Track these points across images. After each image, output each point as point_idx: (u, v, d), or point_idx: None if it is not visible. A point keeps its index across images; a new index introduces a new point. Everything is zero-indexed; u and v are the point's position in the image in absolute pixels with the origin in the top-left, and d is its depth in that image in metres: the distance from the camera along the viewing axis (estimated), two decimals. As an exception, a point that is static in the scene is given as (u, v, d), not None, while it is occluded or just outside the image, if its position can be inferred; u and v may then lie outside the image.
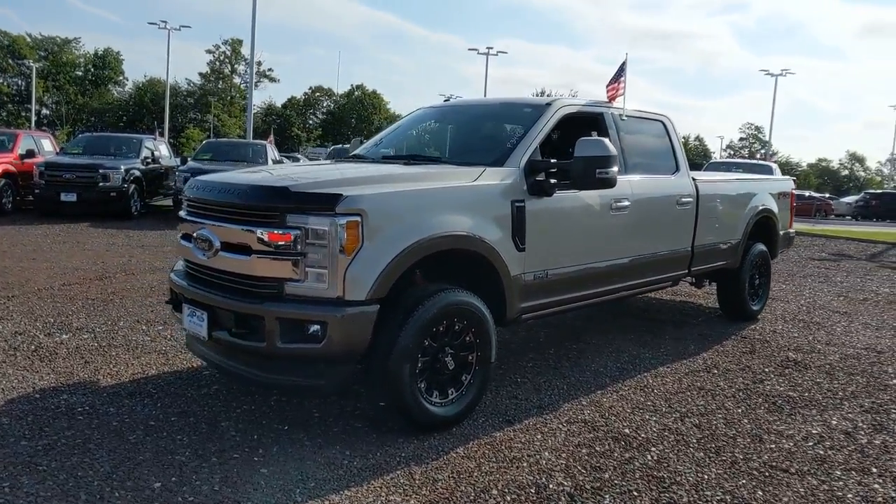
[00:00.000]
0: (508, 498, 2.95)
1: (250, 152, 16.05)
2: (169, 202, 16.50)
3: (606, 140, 3.96)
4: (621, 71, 4.91)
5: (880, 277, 10.03)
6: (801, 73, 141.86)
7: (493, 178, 3.88)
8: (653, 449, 3.50)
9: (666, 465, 3.32)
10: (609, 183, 3.97)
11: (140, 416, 3.73)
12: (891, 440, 3.73)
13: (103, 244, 10.43)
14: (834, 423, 3.95)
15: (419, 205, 3.51)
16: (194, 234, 3.68)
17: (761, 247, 6.52)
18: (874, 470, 3.34)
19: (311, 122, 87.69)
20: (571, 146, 4.60)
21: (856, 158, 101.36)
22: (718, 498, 3.01)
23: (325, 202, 3.24)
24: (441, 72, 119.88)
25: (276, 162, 15.99)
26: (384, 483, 3.06)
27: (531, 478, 3.14)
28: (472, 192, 3.76)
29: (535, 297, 4.15)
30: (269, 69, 74.33)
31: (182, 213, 3.98)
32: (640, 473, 3.22)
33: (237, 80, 77.28)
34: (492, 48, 44.62)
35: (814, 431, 3.81)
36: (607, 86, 4.94)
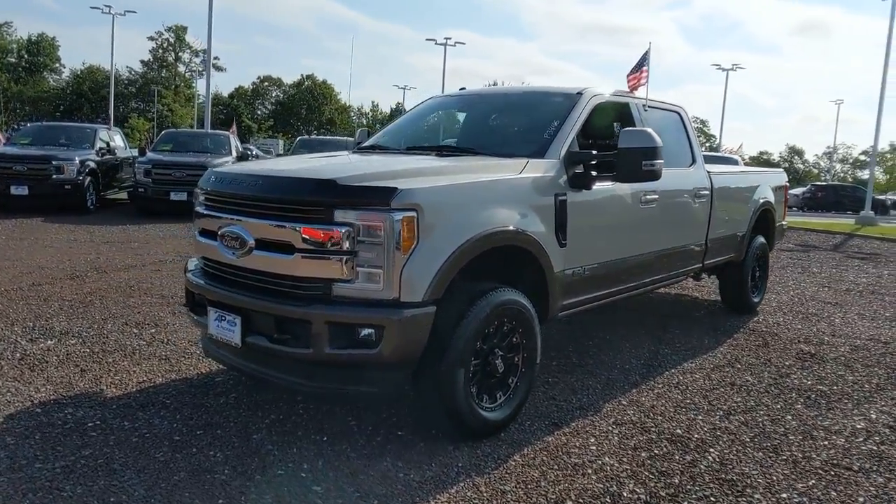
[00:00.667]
0: (586, 509, 2.80)
1: (212, 143, 15.41)
2: (125, 195, 15.73)
3: (651, 130, 3.83)
4: (644, 60, 4.79)
5: (853, 268, 10.32)
6: (740, 69, 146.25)
7: (536, 170, 3.70)
8: (711, 450, 3.40)
9: (730, 466, 3.23)
10: (655, 175, 3.84)
11: (161, 431, 3.42)
12: (933, 433, 3.74)
13: (65, 240, 9.81)
14: (874, 416, 3.94)
15: (472, 199, 3.30)
16: (220, 232, 3.38)
17: (761, 239, 6.55)
18: (930, 464, 3.33)
19: (259, 112, 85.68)
20: (599, 137, 4.49)
21: (795, 152, 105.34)
22: (796, 500, 2.93)
23: (378, 196, 3.00)
24: (390, 63, 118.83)
25: (241, 153, 15.43)
26: (450, 498, 2.86)
27: (601, 486, 2.99)
28: (520, 185, 3.58)
29: (575, 293, 4.00)
30: (216, 58, 72.06)
31: (199, 208, 3.67)
32: (710, 477, 3.11)
33: (182, 68, 74.83)
34: (450, 38, 44.21)
35: (859, 426, 3.78)
36: (628, 75, 4.82)
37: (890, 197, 36.51)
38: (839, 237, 15.20)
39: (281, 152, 52.07)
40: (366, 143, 4.81)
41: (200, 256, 3.71)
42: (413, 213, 3.00)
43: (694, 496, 2.93)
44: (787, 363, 4.96)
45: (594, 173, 3.90)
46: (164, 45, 72.03)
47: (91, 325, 5.32)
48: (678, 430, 3.62)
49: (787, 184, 7.29)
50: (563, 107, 4.20)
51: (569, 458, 3.25)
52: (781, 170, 7.92)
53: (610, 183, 4.08)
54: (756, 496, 2.95)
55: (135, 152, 16.43)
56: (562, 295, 3.85)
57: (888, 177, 71.46)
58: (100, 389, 3.98)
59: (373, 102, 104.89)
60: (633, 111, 4.68)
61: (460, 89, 5.10)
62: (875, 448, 3.50)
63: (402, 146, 4.44)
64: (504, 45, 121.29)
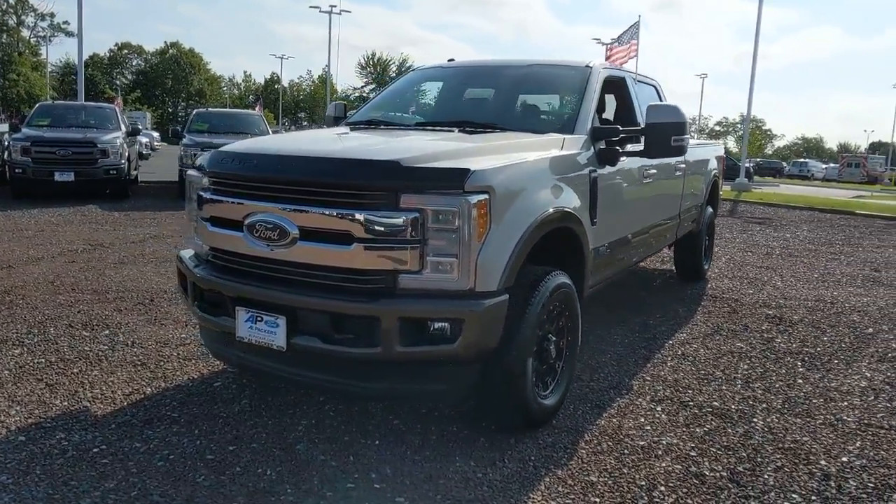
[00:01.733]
0: (680, 492, 2.76)
1: (95, 117, 13.83)
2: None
3: (678, 105, 3.80)
4: (632, 34, 4.76)
5: (758, 232, 11.13)
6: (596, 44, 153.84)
7: (574, 146, 3.57)
8: (755, 420, 3.48)
9: (781, 434, 3.32)
10: (683, 151, 3.83)
11: (186, 450, 3.00)
12: (921, 386, 4.07)
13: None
14: (868, 375, 4.23)
15: (532, 179, 3.12)
16: (247, 221, 2.97)
17: (710, 209, 6.86)
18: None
19: (118, 82, 78.96)
20: (600, 110, 4.42)
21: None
22: (857, 463, 3.06)
23: (450, 179, 2.74)
24: (256, 31, 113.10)
25: (130, 127, 14.05)
26: (543, 496, 2.72)
27: (681, 467, 2.97)
28: (565, 162, 3.43)
29: (599, 272, 3.95)
30: (65, 22, 65.24)
31: (207, 194, 3.21)
32: (770, 448, 3.18)
33: (25, 32, 67.12)
34: (335, 6, 42.41)
35: (863, 385, 4.04)
36: (612, 48, 4.80)
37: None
38: (727, 203, 16.36)
39: (150, 127, 48.14)
40: (358, 118, 4.42)
41: (210, 248, 3.26)
42: (486, 196, 2.77)
43: (769, 469, 2.98)
44: (763, 328, 5.22)
45: (618, 149, 3.83)
46: (3, 7, 64.07)
47: (29, 330, 4.61)
48: (715, 403, 3.69)
49: (724, 155, 7.67)
50: (577, 80, 4.08)
51: (633, 442, 3.21)
52: (720, 142, 8.31)
53: (625, 158, 4.03)
54: (822, 462, 3.05)
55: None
56: (592, 274, 3.78)
57: (749, 145, 78.05)
58: (84, 407, 3.43)
59: (245, 72, 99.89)
60: (629, 84, 4.66)
61: (449, 60, 4.84)
62: (890, 405, 3.75)
63: (411, 122, 4.14)
64: (376, 15, 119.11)
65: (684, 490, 2.78)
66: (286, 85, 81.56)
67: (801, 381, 4.08)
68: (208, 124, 14.42)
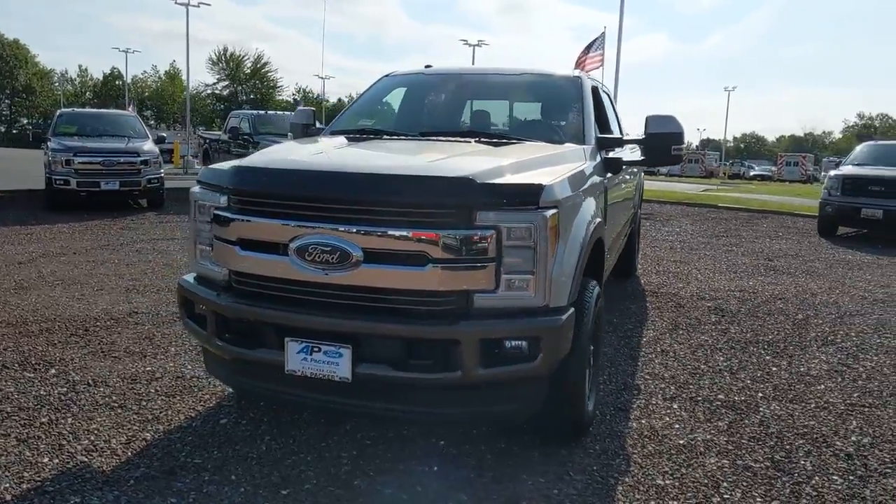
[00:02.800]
0: (742, 486, 2.91)
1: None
2: None
3: (675, 116, 3.98)
4: (601, 43, 4.94)
5: (653, 228, 11.96)
6: (454, 44, 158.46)
7: (592, 156, 3.64)
8: (763, 409, 3.75)
9: (792, 421, 3.60)
10: (680, 159, 4.02)
11: (237, 500, 2.70)
12: (874, 360, 4.59)
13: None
14: (824, 358, 4.70)
15: (579, 191, 3.13)
16: (295, 245, 2.72)
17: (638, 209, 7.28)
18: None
19: (-77, 76, 69.36)
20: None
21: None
22: (865, 441, 3.39)
23: (525, 195, 2.69)
24: (89, 23, 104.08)
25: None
26: (626, 505, 2.76)
27: (728, 461, 3.13)
28: (593, 173, 3.49)
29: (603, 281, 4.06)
30: None
31: (231, 214, 2.91)
32: (790, 433, 3.44)
33: None
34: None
35: (825, 368, 4.48)
36: (584, 57, 4.94)
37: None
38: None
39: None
40: (347, 127, 4.19)
41: (234, 273, 2.95)
42: (556, 211, 2.75)
43: (801, 454, 3.22)
44: (713, 320, 5.64)
45: (622, 157, 3.96)
46: None
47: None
48: (720, 396, 3.93)
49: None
50: (573, 90, 4.16)
51: (673, 441, 3.34)
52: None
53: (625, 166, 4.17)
54: (838, 443, 3.35)
55: None
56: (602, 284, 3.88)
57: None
58: (82, 462, 2.99)
59: (80, 67, 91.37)
60: (601, 93, 4.82)
61: (426, 66, 4.73)
62: (861, 384, 4.19)
63: (414, 131, 3.98)
64: (222, 7, 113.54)
65: (744, 484, 2.94)
66: (129, 81, 75.40)
67: (774, 368, 4.46)
68: (76, 126, 13.27)
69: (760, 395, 3.96)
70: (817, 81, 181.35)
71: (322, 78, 50.12)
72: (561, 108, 4.10)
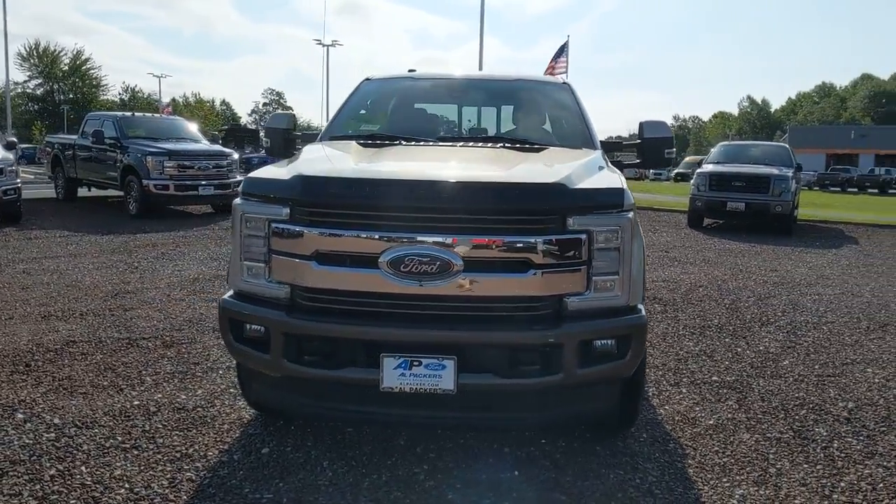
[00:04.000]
0: (785, 455, 3.22)
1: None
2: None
3: (665, 121, 4.26)
4: (564, 51, 5.17)
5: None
6: (292, 43, 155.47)
7: (606, 161, 3.81)
8: (755, 387, 4.15)
9: (785, 395, 4.02)
10: (671, 162, 4.31)
11: (339, 531, 2.55)
12: (811, 336, 5.22)
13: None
14: (772, 337, 5.27)
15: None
16: (388, 258, 2.61)
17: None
18: (862, 347, 4.72)
19: None
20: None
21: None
22: (851, 405, 3.87)
23: (612, 199, 2.80)
24: None
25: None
26: (715, 486, 2.95)
27: (760, 436, 3.45)
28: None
29: None
30: None
31: (303, 228, 2.72)
32: (793, 405, 3.85)
33: None
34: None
35: (779, 345, 5.04)
36: (554, 63, 5.15)
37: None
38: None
39: None
40: (346, 133, 4.01)
41: (306, 289, 2.76)
42: (634, 213, 2.89)
43: (811, 421, 3.62)
44: (658, 309, 6.10)
45: (622, 161, 4.19)
46: None
47: None
48: (714, 378, 4.29)
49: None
50: (569, 96, 4.32)
51: (705, 422, 3.60)
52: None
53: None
54: (832, 410, 3.80)
55: None
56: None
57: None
58: (136, 513, 2.64)
59: None
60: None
61: (410, 71, 4.65)
62: (814, 356, 4.76)
63: (430, 137, 3.90)
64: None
65: (786, 453, 3.26)
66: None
67: (739, 349, 4.94)
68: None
69: (745, 373, 4.38)
70: (637, 85, 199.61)
71: (158, 77, 46.76)
72: (563, 113, 4.24)
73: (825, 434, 3.48)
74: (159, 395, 3.83)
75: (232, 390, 3.92)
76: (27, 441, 3.22)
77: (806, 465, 3.13)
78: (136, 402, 3.72)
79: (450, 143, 3.76)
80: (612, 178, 2.99)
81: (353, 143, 3.76)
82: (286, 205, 2.78)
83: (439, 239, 2.61)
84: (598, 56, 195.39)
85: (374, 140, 3.85)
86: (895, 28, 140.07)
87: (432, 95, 4.53)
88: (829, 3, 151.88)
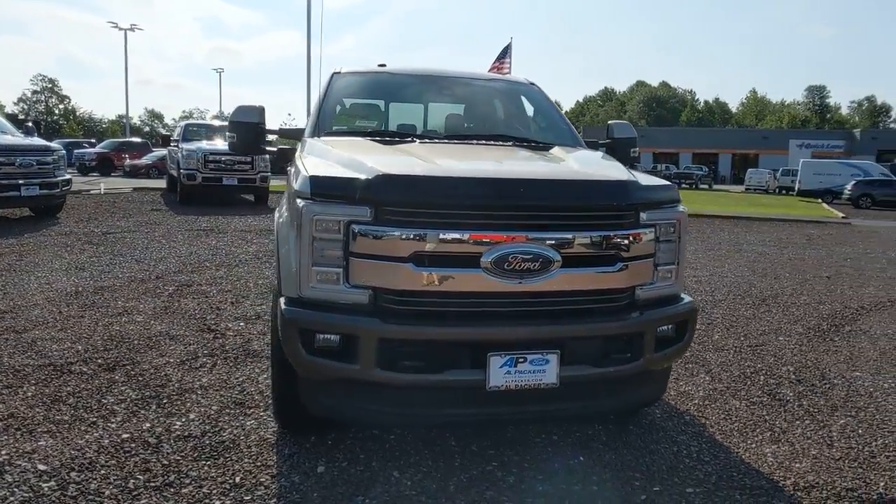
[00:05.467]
0: (804, 396, 3.70)
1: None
2: None
3: (629, 123, 4.59)
4: (507, 52, 5.38)
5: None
6: (63, 25, 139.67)
7: (615, 160, 4.05)
8: (709, 358, 4.67)
9: (738, 364, 4.58)
10: (638, 160, 4.65)
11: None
12: (723, 311, 5.95)
13: None
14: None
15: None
16: (492, 256, 2.58)
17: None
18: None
19: None
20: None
21: (155, 116, 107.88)
22: (793, 370, 4.53)
23: (671, 193, 3.02)
24: None
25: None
26: (772, 446, 3.31)
27: (749, 401, 3.92)
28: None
29: None
30: None
31: (391, 228, 2.59)
32: (753, 371, 4.40)
33: None
34: None
35: (698, 322, 5.68)
36: (500, 63, 5.33)
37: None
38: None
39: None
40: (348, 128, 3.79)
41: (403, 293, 2.63)
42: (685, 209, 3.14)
43: (774, 385, 4.18)
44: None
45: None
46: None
47: None
48: (709, 357, 4.73)
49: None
50: (539, 95, 4.48)
51: (703, 394, 3.99)
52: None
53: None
54: (782, 373, 4.41)
55: None
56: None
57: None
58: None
59: None
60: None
61: (380, 65, 4.47)
62: (743, 331, 5.44)
63: (438, 133, 3.83)
64: None
65: (776, 413, 3.74)
66: None
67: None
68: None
69: (694, 349, 4.91)
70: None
71: None
72: (546, 113, 4.40)
73: (791, 394, 4.05)
74: (147, 425, 3.37)
75: (228, 410, 3.57)
76: (26, 496, 2.68)
77: (797, 422, 3.64)
78: (124, 436, 3.24)
79: (463, 140, 3.75)
80: (653, 177, 3.22)
81: (366, 139, 3.60)
82: (368, 205, 2.63)
83: (539, 236, 2.64)
84: (404, 53, 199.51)
85: (384, 136, 3.72)
86: (664, 38, 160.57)
87: (417, 91, 4.42)
88: (606, 8, 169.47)
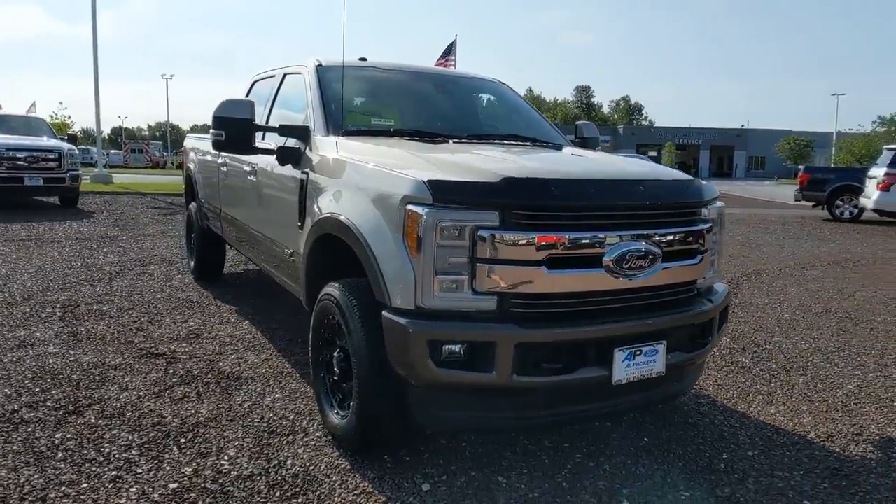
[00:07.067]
0: (784, 385, 4.26)
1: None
2: None
3: (593, 123, 4.87)
4: (452, 49, 5.44)
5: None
6: None
7: (593, 156, 4.29)
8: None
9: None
10: (598, 157, 4.95)
11: None
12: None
13: None
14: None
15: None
16: (613, 255, 2.69)
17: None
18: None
19: None
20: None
21: None
22: (778, 334, 5.18)
23: (715, 192, 3.33)
24: None
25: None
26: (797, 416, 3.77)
27: (760, 379, 4.43)
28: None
29: None
30: None
31: (523, 233, 2.57)
32: (741, 345, 4.95)
33: None
34: None
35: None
36: (445, 60, 5.38)
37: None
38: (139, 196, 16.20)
39: None
40: (363, 127, 3.53)
41: (530, 295, 2.61)
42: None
43: (765, 357, 4.77)
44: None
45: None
46: None
47: None
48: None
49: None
50: (512, 94, 4.61)
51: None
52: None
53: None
54: (768, 346, 5.04)
55: None
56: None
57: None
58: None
59: None
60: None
61: (360, 59, 4.20)
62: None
63: (457, 133, 3.73)
64: None
65: (783, 384, 4.27)
66: None
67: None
68: None
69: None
70: (231, 74, 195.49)
71: None
72: (528, 112, 4.52)
73: (748, 362, 4.66)
74: (189, 469, 2.93)
75: (266, 441, 3.23)
76: None
77: (772, 384, 4.22)
78: (171, 486, 2.79)
79: (487, 141, 3.75)
80: None
81: (403, 139, 3.47)
82: (496, 209, 2.57)
83: (647, 233, 2.80)
84: (169, 36, 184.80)
85: (415, 136, 3.61)
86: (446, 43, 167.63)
87: (413, 90, 4.25)
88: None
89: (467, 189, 2.59)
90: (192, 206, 6.75)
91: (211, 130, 3.68)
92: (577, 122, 4.75)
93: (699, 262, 3.03)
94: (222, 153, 5.38)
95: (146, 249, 8.69)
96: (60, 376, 3.99)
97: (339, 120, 3.66)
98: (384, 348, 2.71)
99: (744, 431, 3.50)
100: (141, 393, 3.79)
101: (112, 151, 56.02)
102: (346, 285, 2.99)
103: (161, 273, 7.17)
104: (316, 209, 3.30)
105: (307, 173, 3.48)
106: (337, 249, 3.15)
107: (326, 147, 3.44)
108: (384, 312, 2.67)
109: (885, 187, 13.33)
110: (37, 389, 3.78)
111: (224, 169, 5.27)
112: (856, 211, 15.84)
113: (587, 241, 2.66)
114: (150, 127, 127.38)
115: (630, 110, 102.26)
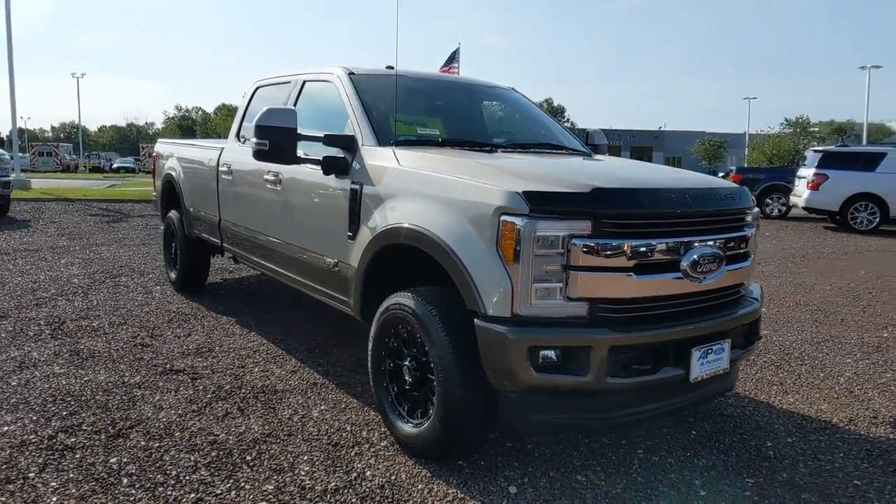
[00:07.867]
0: (818, 346, 4.55)
1: None
2: None
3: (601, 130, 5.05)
4: (456, 57, 5.52)
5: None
6: None
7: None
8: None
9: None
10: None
11: None
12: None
13: None
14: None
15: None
16: (689, 260, 2.85)
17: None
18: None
19: None
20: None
21: None
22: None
23: (753, 199, 3.56)
24: None
25: None
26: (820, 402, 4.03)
27: (775, 367, 4.70)
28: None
29: None
30: None
31: (615, 241, 2.70)
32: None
33: None
34: None
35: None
36: (440, 68, 5.46)
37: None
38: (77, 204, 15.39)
39: None
40: (412, 137, 3.54)
41: (618, 300, 2.74)
42: None
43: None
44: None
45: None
46: None
47: None
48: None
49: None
50: (528, 101, 4.72)
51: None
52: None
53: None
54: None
55: None
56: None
57: None
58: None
59: None
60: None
61: (388, 67, 4.19)
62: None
63: (504, 143, 3.81)
64: None
65: (760, 353, 4.58)
66: None
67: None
68: None
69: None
70: (136, 73, 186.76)
71: None
72: (549, 120, 4.63)
73: (785, 356, 4.94)
74: (270, 487, 2.88)
75: (335, 453, 3.21)
76: None
77: (780, 374, 4.52)
78: (259, 504, 2.75)
79: (527, 150, 3.86)
80: None
81: (457, 150, 3.52)
82: (588, 218, 2.68)
83: (714, 238, 2.98)
84: (71, 34, 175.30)
85: (464, 147, 3.67)
86: (367, 42, 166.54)
87: (447, 98, 4.28)
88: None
89: (561, 199, 2.68)
90: (173, 214, 6.51)
91: (253, 140, 3.60)
92: (586, 130, 4.92)
93: (750, 263, 3.24)
94: (223, 159, 5.25)
95: (107, 260, 8.29)
96: (83, 398, 3.81)
97: (388, 130, 3.66)
98: (469, 355, 2.76)
99: (776, 420, 3.75)
100: (180, 411, 3.66)
101: (18, 154, 52.36)
102: (421, 294, 3.02)
103: (136, 284, 6.87)
104: (376, 219, 3.30)
105: (360, 183, 3.47)
106: (399, 260, 3.16)
107: (382, 157, 3.44)
108: (477, 321, 2.72)
109: (814, 186, 14.32)
110: (64, 413, 3.59)
111: (228, 176, 5.13)
112: (784, 209, 16.93)
113: (670, 247, 2.80)
114: (53, 128, 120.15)
115: (553, 112, 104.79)
